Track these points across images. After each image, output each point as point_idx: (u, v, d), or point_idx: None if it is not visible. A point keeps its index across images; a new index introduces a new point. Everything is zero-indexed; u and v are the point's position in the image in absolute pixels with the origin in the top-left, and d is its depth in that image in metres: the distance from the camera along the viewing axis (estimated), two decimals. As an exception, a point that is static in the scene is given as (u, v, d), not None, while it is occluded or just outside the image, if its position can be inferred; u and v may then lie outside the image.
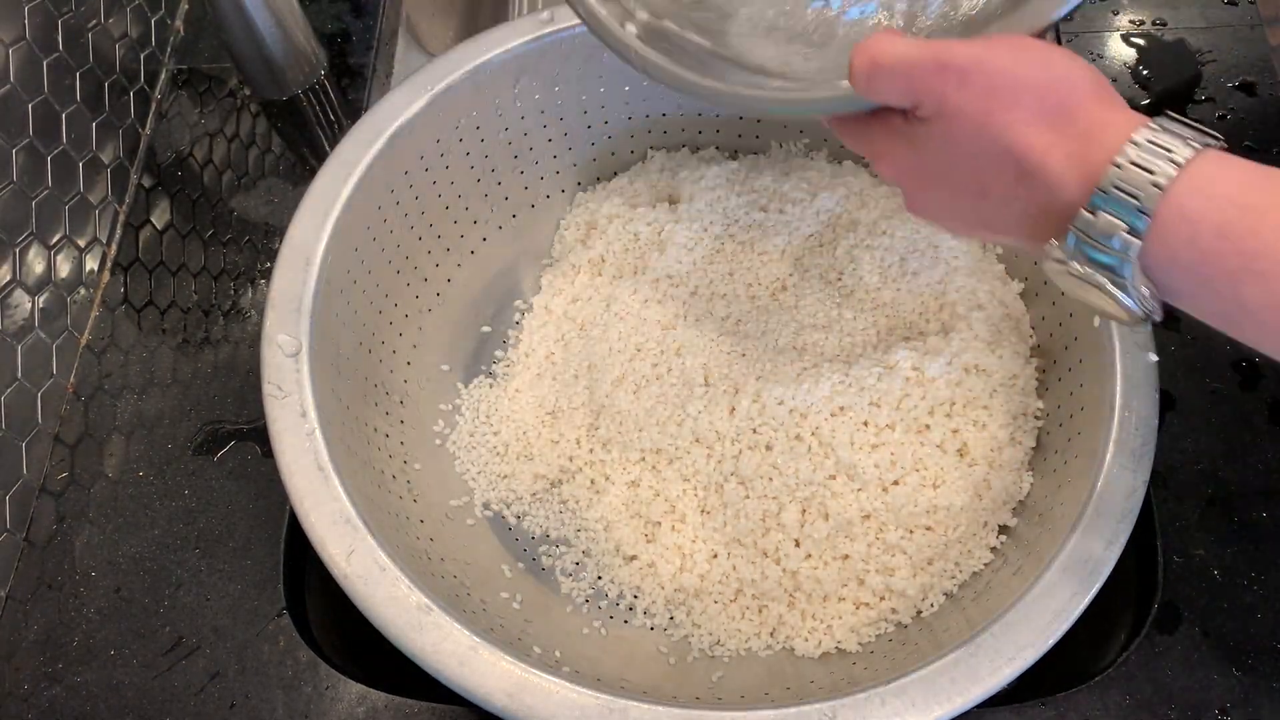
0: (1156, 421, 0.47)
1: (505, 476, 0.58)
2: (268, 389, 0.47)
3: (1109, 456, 0.46)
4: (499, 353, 0.63)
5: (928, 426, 0.51)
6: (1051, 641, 0.42)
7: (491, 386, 0.61)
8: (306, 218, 0.52)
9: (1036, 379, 0.54)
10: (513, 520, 0.58)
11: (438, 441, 0.59)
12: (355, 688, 0.51)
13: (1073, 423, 0.50)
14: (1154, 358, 0.48)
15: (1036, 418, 0.53)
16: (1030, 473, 0.52)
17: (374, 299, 0.57)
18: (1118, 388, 0.47)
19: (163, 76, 0.72)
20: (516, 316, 0.64)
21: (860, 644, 0.51)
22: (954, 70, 0.34)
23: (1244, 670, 0.48)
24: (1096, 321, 0.50)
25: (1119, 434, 0.46)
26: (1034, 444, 0.53)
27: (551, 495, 0.58)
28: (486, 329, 0.64)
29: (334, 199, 0.53)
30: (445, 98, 0.57)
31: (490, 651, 0.43)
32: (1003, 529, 0.51)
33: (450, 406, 0.61)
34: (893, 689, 0.41)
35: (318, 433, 0.47)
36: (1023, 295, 0.56)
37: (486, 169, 0.62)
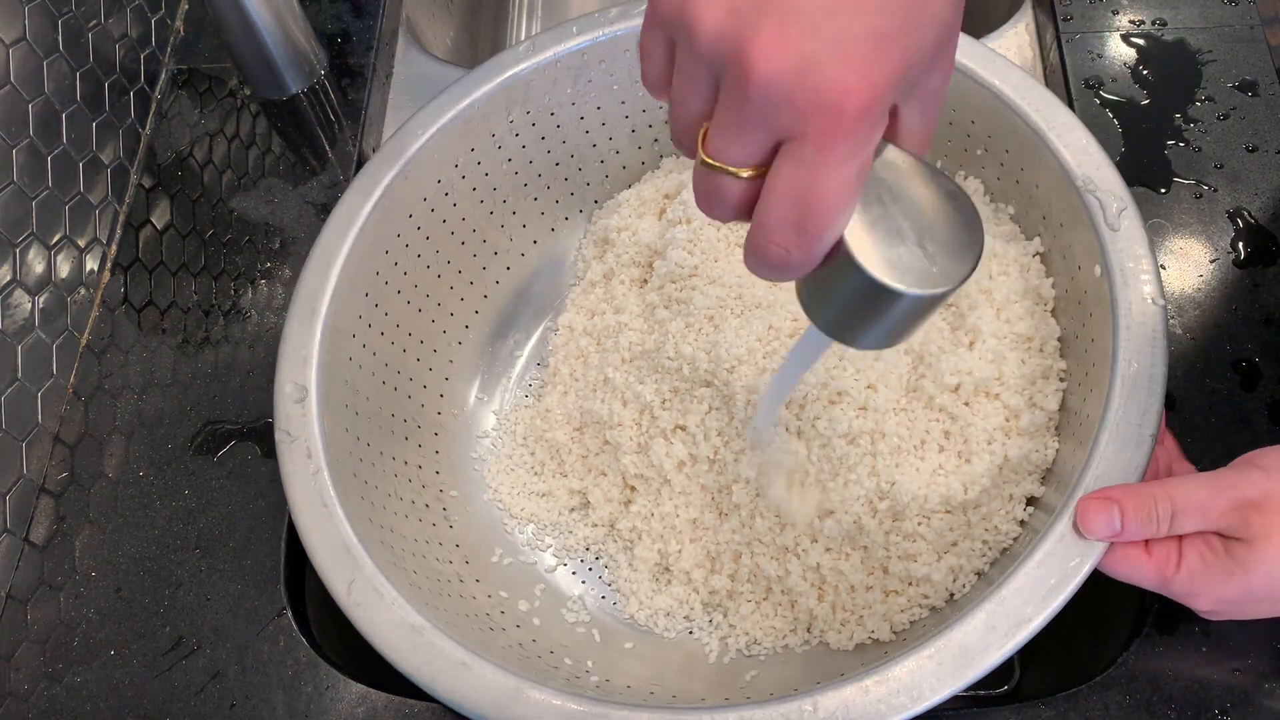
0: (1162, 369, 0.45)
1: (543, 495, 0.59)
2: (278, 434, 0.49)
3: (1111, 416, 0.44)
4: (533, 374, 0.64)
5: (933, 404, 0.50)
6: (1039, 623, 0.41)
7: (526, 408, 0.63)
8: (313, 269, 0.54)
9: (1058, 339, 0.52)
10: (553, 538, 0.59)
11: (475, 467, 0.61)
12: (355, 688, 0.51)
13: (1088, 380, 0.48)
14: (1160, 303, 0.46)
15: (1060, 379, 0.51)
16: (1056, 438, 0.50)
17: (394, 338, 0.58)
18: (1121, 342, 0.45)
19: (163, 76, 0.72)
20: (549, 338, 0.65)
21: (894, 632, 0.50)
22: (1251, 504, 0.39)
23: (1244, 670, 0.48)
24: (1098, 270, 0.48)
25: (1121, 390, 0.44)
26: (1058, 407, 0.50)
27: (587, 509, 0.59)
28: (519, 353, 0.65)
29: (336, 252, 0.54)
30: (437, 140, 0.57)
31: (482, 666, 0.43)
32: (1032, 500, 0.49)
33: (485, 432, 0.62)
34: (875, 678, 0.41)
35: (324, 472, 0.48)
36: (1041, 256, 0.54)
37: (497, 200, 0.62)
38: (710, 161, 0.30)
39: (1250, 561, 0.40)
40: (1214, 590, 0.41)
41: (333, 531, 0.47)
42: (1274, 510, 0.40)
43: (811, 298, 0.34)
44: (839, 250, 0.30)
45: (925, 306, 0.31)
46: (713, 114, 0.29)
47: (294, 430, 0.49)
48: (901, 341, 0.35)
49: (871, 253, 0.30)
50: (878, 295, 0.30)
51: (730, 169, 0.29)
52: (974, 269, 0.31)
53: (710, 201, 0.31)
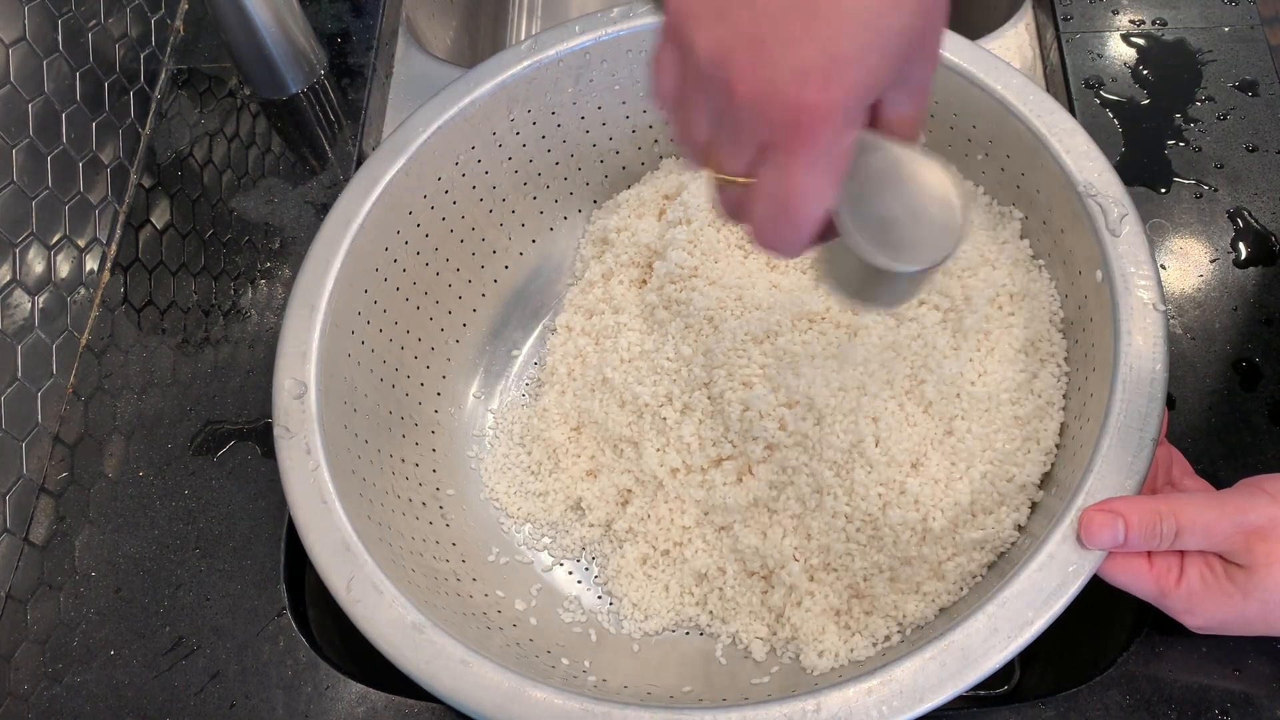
0: (1163, 375, 0.45)
1: (540, 494, 0.59)
2: (277, 430, 0.49)
3: (1111, 421, 0.44)
4: (530, 374, 0.64)
5: (932, 409, 0.50)
6: (1039, 628, 0.41)
7: (523, 407, 0.63)
8: (312, 265, 0.53)
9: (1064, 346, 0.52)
10: (549, 537, 0.59)
11: (472, 466, 0.61)
12: (355, 688, 0.51)
13: (1089, 385, 0.49)
14: (1161, 308, 0.47)
15: (1060, 384, 0.51)
16: (1057, 442, 0.50)
17: (393, 336, 0.58)
18: (1121, 347, 0.46)
19: (163, 76, 0.72)
20: (547, 338, 0.65)
21: (893, 633, 0.50)
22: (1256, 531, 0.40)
23: (1244, 670, 0.48)
24: (1099, 275, 0.48)
25: (1122, 395, 0.45)
26: (1058, 411, 0.51)
27: (583, 510, 0.59)
28: (516, 353, 0.65)
29: (336, 248, 0.54)
30: (438, 137, 0.57)
31: (482, 665, 0.43)
32: (1031, 504, 0.50)
33: (482, 430, 0.62)
34: (878, 679, 0.41)
35: (323, 468, 0.48)
36: (1045, 265, 0.54)
37: (496, 199, 0.62)
38: (718, 175, 0.35)
39: (1249, 587, 0.41)
40: (1210, 610, 0.42)
41: (332, 528, 0.47)
42: (1277, 539, 0.40)
43: (824, 272, 0.39)
44: (834, 233, 0.35)
45: (914, 279, 0.37)
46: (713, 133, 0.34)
47: (293, 426, 0.49)
48: (903, 304, 0.46)
49: (861, 234, 0.34)
50: (873, 272, 0.35)
51: (734, 179, 0.34)
52: (957, 244, 0.35)
53: (725, 208, 0.36)
